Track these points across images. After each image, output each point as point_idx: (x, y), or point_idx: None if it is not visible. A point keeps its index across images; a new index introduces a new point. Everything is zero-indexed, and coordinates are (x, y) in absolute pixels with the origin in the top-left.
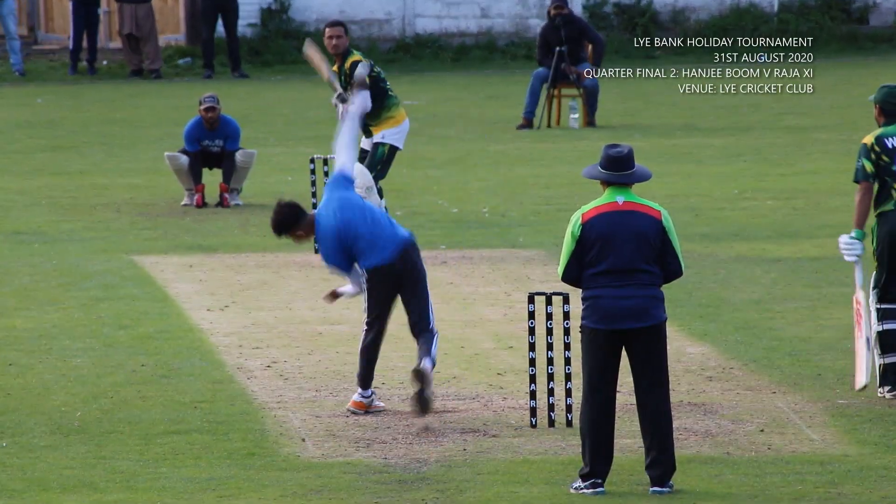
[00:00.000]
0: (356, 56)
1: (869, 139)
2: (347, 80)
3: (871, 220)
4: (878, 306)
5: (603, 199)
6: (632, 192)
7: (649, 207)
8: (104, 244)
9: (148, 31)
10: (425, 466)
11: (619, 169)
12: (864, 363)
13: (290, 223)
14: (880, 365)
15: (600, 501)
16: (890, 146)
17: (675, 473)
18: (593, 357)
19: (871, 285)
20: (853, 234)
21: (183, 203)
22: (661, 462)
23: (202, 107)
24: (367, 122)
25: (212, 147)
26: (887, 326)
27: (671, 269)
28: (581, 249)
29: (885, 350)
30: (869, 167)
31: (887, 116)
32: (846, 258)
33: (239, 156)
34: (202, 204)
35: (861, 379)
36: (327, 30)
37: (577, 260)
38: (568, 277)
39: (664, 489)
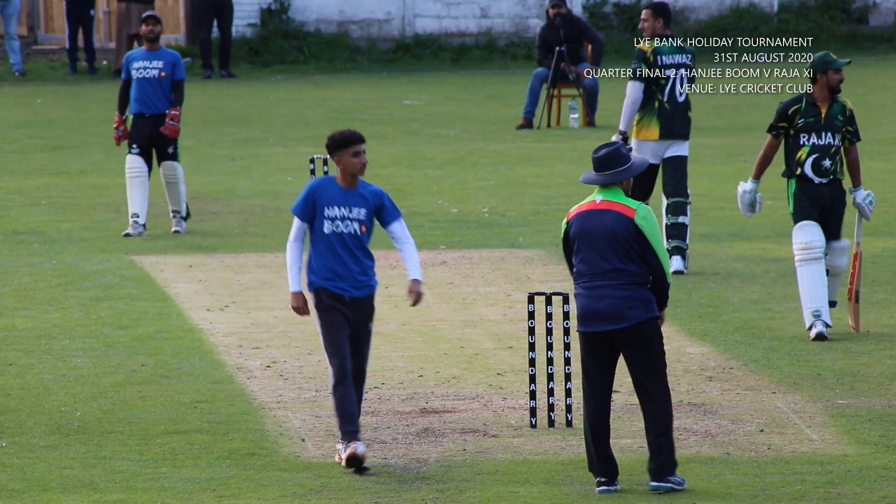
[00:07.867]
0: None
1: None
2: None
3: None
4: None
5: (587, 198)
6: (618, 191)
7: (624, 206)
8: (103, 244)
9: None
10: (425, 466)
11: (599, 169)
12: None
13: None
14: None
15: (602, 501)
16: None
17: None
18: (584, 359)
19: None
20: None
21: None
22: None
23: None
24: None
25: (149, 70)
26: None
27: (653, 268)
28: (569, 248)
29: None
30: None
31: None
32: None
33: (163, 169)
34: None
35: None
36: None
37: (569, 258)
38: (572, 275)
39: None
